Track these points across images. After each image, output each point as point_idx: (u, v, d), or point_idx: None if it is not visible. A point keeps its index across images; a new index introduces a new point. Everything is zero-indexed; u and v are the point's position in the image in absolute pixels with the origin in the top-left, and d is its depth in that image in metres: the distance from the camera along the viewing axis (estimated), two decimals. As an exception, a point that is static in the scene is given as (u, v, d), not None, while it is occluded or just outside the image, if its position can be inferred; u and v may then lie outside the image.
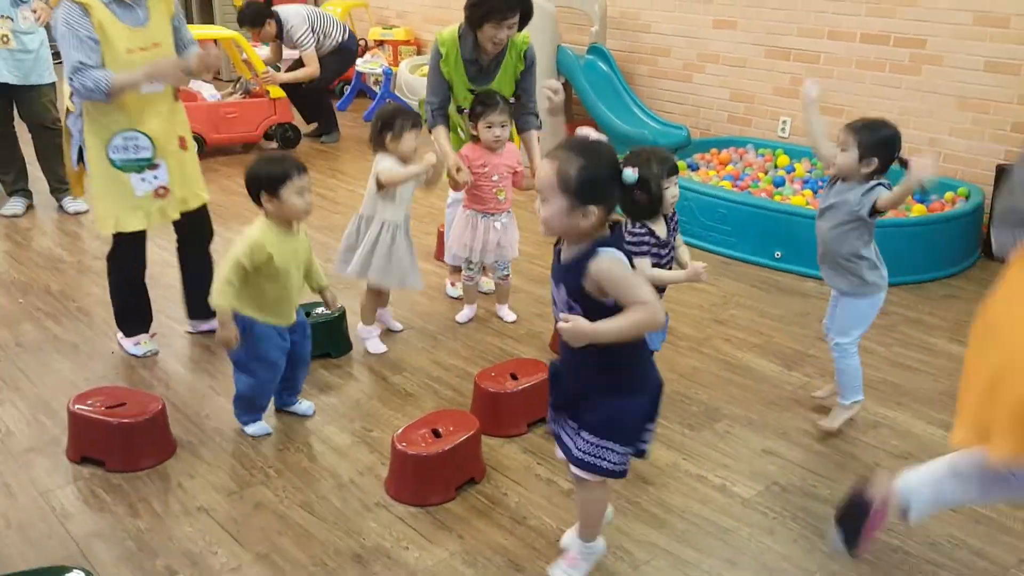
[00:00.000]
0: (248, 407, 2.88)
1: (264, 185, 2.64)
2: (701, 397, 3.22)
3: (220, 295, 2.63)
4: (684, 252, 2.86)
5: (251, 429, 2.89)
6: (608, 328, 1.82)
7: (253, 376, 2.80)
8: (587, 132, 1.91)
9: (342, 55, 6.95)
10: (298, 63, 6.71)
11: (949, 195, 4.86)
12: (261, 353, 2.76)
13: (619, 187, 1.83)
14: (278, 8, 6.65)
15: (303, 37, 6.56)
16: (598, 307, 1.86)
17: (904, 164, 2.69)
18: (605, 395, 1.97)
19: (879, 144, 2.65)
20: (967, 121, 5.06)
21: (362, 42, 8.69)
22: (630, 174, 1.82)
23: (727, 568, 2.33)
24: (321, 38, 6.73)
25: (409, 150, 3.28)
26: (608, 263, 1.82)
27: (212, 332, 3.41)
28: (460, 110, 3.69)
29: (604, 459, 1.99)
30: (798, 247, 4.50)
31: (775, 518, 2.55)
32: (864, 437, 2.99)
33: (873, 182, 2.69)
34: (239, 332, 2.69)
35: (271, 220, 2.70)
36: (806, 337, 3.75)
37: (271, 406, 2.99)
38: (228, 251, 2.67)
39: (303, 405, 3.03)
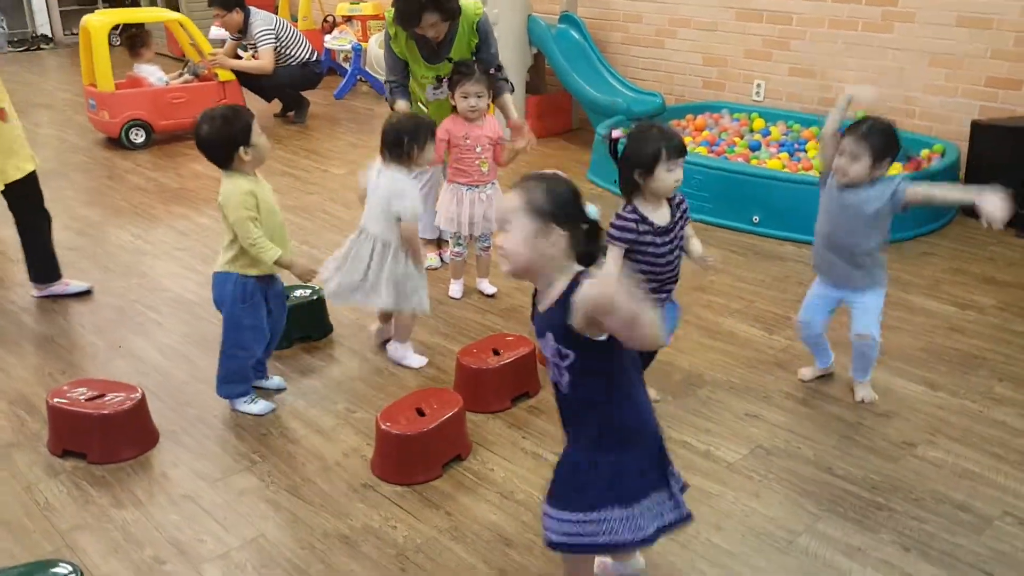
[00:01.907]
0: (239, 379, 2.89)
1: (242, 140, 2.67)
2: (683, 364, 3.23)
3: (265, 252, 2.70)
4: (695, 244, 2.71)
5: (256, 408, 2.90)
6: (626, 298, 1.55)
7: (245, 347, 2.83)
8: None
9: (306, 72, 6.84)
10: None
11: (925, 152, 4.87)
12: (256, 320, 2.81)
13: (583, 217, 1.75)
14: (252, 8, 6.56)
15: (262, 34, 6.47)
16: (594, 348, 1.68)
17: (907, 155, 2.70)
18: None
19: (889, 146, 2.63)
20: (940, 78, 5.06)
21: (330, 18, 8.57)
22: (593, 210, 1.76)
23: (713, 532, 2.35)
24: (283, 49, 6.62)
25: (429, 160, 3.14)
26: (590, 284, 1.61)
27: (55, 296, 3.76)
28: (439, 79, 3.68)
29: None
30: (775, 211, 4.50)
31: (760, 481, 2.57)
32: (846, 397, 3.00)
33: (891, 184, 2.64)
34: (234, 296, 2.76)
35: (238, 173, 2.72)
36: (786, 300, 3.76)
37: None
38: (231, 222, 2.69)
39: (274, 380, 3.05)
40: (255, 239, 2.68)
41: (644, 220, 2.55)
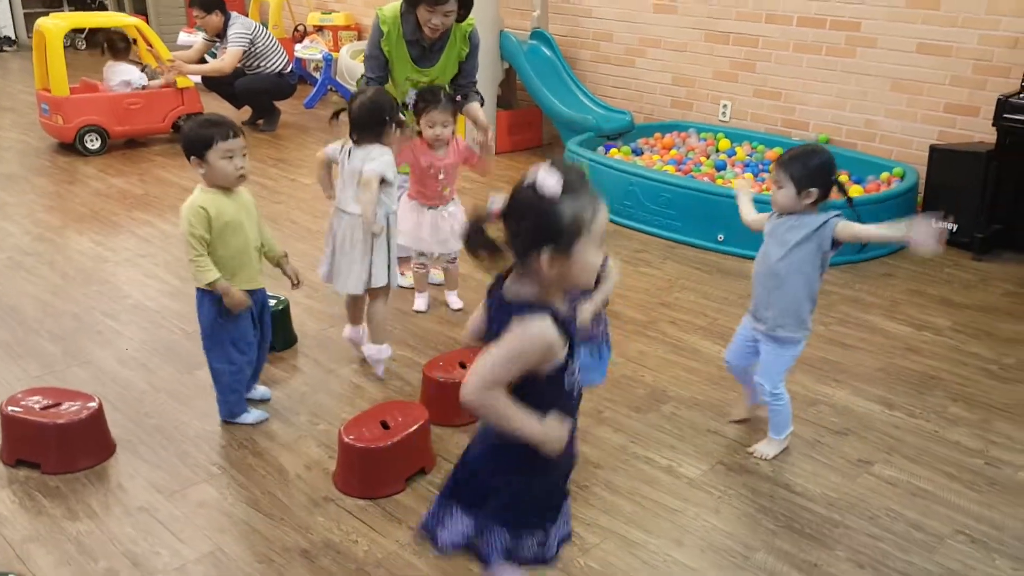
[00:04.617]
0: (235, 397, 2.84)
1: (191, 149, 2.59)
2: (647, 380, 3.25)
3: (201, 272, 2.61)
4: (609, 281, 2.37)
5: (250, 418, 2.86)
6: None
7: (231, 361, 2.76)
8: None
9: (280, 82, 6.82)
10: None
11: (884, 175, 4.98)
12: (237, 332, 2.74)
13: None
14: (234, 12, 6.53)
15: (236, 36, 6.45)
16: None
17: (842, 189, 2.58)
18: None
19: (813, 174, 2.51)
20: (901, 103, 5.18)
21: (300, 27, 8.55)
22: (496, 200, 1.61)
23: (674, 547, 2.36)
24: (260, 58, 6.61)
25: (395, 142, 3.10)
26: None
27: None
28: (404, 105, 3.63)
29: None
30: (740, 230, 4.51)
31: (720, 497, 2.59)
32: (804, 414, 3.05)
33: (824, 216, 2.54)
34: (211, 312, 2.69)
35: (207, 185, 2.65)
36: (749, 318, 3.81)
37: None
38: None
39: (259, 390, 3.01)
40: (193, 257, 2.60)
41: None
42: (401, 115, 3.74)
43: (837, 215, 2.55)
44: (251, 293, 2.75)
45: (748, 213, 2.83)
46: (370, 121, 2.97)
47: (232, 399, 2.84)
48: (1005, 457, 2.83)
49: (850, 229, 2.52)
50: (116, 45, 6.29)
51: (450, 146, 3.53)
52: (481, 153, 3.57)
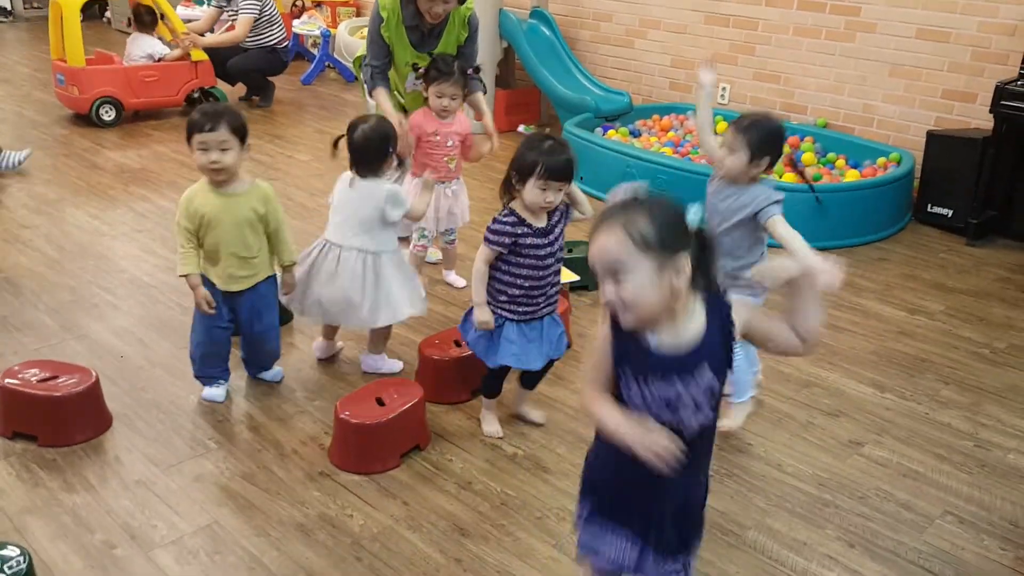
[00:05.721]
0: (196, 363, 2.86)
1: (189, 139, 2.63)
2: (642, 361, 3.26)
3: (180, 263, 2.69)
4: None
5: (204, 393, 2.88)
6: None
7: (194, 331, 2.82)
8: (630, 187, 1.54)
9: (272, 58, 6.75)
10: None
11: (881, 160, 4.98)
12: (197, 313, 2.78)
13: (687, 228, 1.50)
14: None
15: (248, 3, 6.41)
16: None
17: (792, 163, 2.56)
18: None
19: (768, 142, 2.52)
20: (899, 88, 5.17)
21: (299, 3, 8.49)
22: (695, 217, 1.50)
23: (666, 526, 2.39)
24: (261, 27, 6.56)
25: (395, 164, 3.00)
26: (740, 301, 1.56)
27: None
28: (415, 67, 3.60)
29: None
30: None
31: (712, 476, 2.60)
32: (797, 396, 3.07)
33: (765, 199, 2.52)
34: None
35: (205, 177, 2.69)
36: (744, 300, 3.82)
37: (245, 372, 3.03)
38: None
39: (271, 372, 3.03)
40: (179, 247, 2.68)
41: (522, 222, 2.49)
42: (400, 98, 3.76)
43: (778, 202, 2.51)
44: (223, 292, 2.76)
45: (706, 118, 2.72)
46: (373, 154, 2.88)
47: (195, 366, 2.86)
48: (995, 440, 2.87)
49: (777, 229, 2.48)
50: (143, 18, 6.31)
51: (457, 116, 3.52)
52: (478, 146, 3.59)
